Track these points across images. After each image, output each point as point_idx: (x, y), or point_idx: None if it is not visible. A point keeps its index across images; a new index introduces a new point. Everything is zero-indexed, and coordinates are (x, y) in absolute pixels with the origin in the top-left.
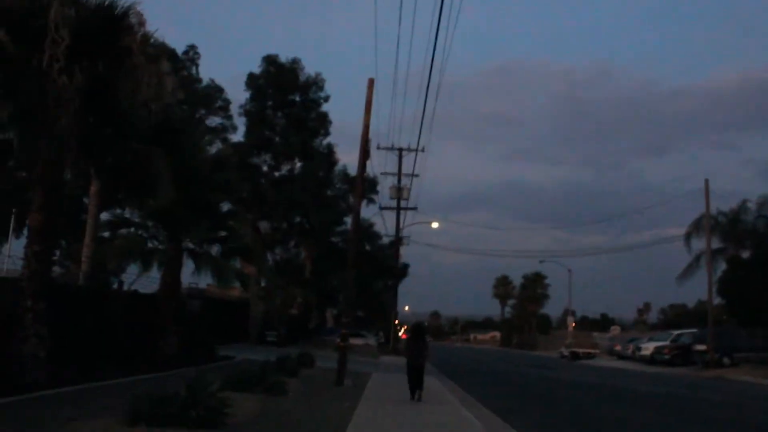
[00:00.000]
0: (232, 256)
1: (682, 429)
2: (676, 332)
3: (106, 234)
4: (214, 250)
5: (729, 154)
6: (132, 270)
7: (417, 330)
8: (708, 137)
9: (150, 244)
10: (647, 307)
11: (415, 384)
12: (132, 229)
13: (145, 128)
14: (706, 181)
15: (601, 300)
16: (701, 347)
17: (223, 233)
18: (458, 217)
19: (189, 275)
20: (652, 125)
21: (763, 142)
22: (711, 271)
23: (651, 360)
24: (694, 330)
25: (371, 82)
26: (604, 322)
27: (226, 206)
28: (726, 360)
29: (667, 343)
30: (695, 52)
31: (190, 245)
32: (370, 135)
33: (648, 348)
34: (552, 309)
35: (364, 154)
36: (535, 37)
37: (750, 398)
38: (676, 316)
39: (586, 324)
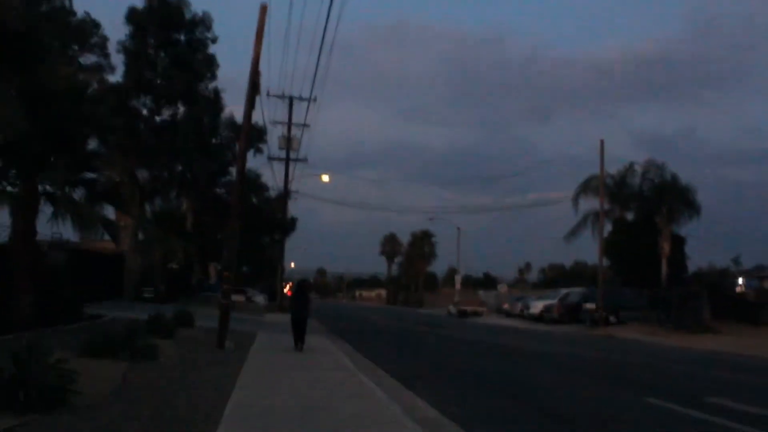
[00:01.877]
0: (98, 202)
1: (607, 390)
2: (564, 291)
3: None
4: (78, 194)
5: (611, 123)
6: None
7: (300, 286)
8: (591, 106)
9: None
10: (528, 267)
11: (299, 335)
12: None
13: None
14: (601, 141)
15: (482, 260)
16: (590, 306)
17: (89, 175)
18: (348, 175)
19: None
20: (539, 91)
21: (642, 113)
22: (602, 231)
23: (539, 318)
24: (582, 289)
25: (264, 8)
26: (486, 281)
27: (93, 144)
28: (612, 318)
29: (555, 301)
30: (582, 23)
31: (49, 188)
32: (261, 79)
33: (537, 306)
34: (437, 267)
35: (254, 87)
36: None
37: (646, 355)
38: (555, 276)
39: (470, 282)
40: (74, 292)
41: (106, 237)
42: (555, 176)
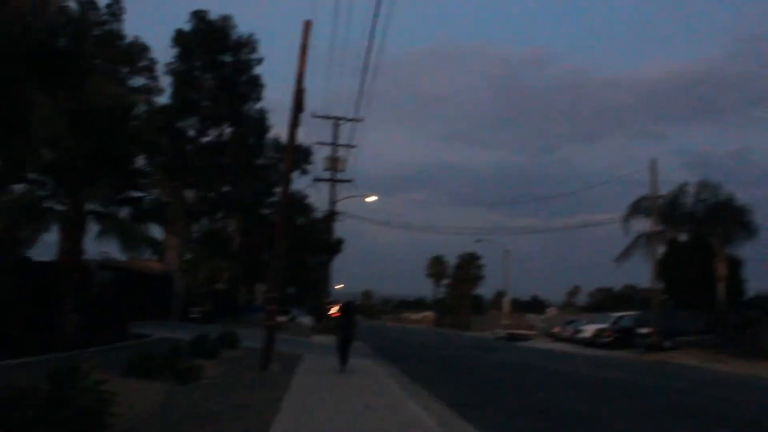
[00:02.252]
0: (143, 220)
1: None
2: (616, 315)
3: None
4: (124, 213)
5: (656, 144)
6: (27, 235)
7: (347, 308)
8: (636, 127)
9: (48, 205)
10: (576, 289)
11: (344, 355)
12: (23, 185)
13: (17, 47)
14: (653, 160)
15: (529, 282)
16: (644, 330)
17: (135, 194)
18: (393, 197)
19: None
20: (584, 113)
21: (688, 134)
22: (655, 252)
23: (591, 342)
24: (635, 313)
25: (308, 24)
26: (534, 304)
27: (139, 163)
28: (667, 343)
29: (608, 325)
30: (626, 43)
31: (95, 207)
32: (306, 98)
33: (588, 331)
34: (483, 290)
35: (298, 104)
36: (471, 20)
37: (707, 384)
38: (604, 299)
39: (517, 305)
40: (121, 311)
41: (153, 256)
42: (602, 198)
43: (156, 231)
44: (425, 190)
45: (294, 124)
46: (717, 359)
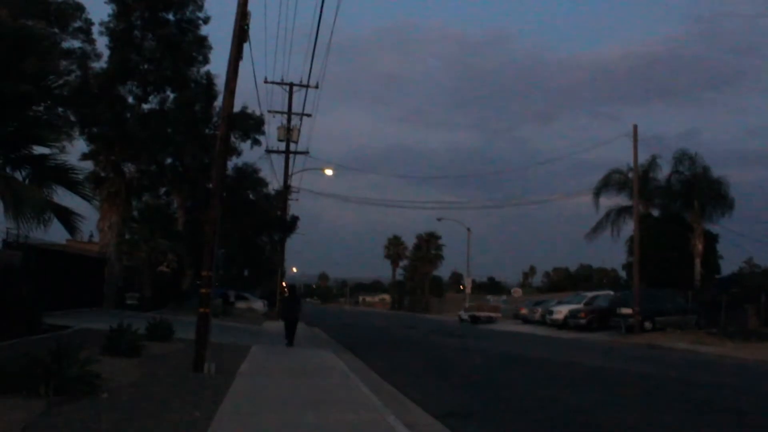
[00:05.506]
0: (46, 183)
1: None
2: (589, 294)
3: None
4: (23, 174)
5: (613, 124)
6: None
7: (291, 291)
8: (593, 108)
9: None
10: (532, 270)
11: (290, 333)
12: None
13: None
14: (635, 126)
15: (484, 264)
16: (626, 311)
17: (36, 150)
18: (350, 178)
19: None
20: (542, 93)
21: (644, 115)
22: (638, 225)
23: (563, 324)
24: (609, 292)
25: None
26: (492, 286)
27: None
28: (648, 324)
29: (581, 306)
30: (584, 24)
31: None
32: (250, 22)
33: (560, 312)
34: (441, 272)
35: (241, 31)
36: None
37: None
38: (560, 280)
39: (475, 287)
40: (32, 298)
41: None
42: (556, 178)
43: (84, 205)
44: (382, 171)
45: (236, 53)
46: (706, 341)
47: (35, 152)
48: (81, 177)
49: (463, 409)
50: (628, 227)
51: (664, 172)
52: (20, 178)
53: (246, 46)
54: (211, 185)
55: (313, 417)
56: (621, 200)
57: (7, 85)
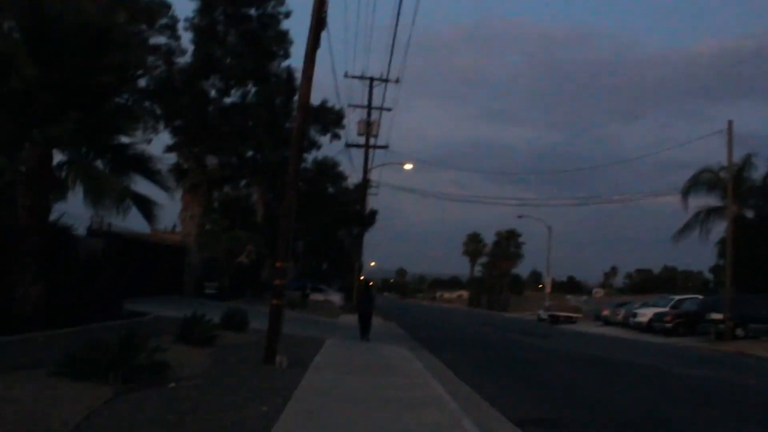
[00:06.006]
0: (125, 172)
1: None
2: (676, 297)
3: None
4: (103, 163)
5: (701, 123)
6: None
7: (366, 286)
8: (680, 106)
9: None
10: (614, 271)
11: (365, 327)
12: None
13: None
14: (729, 122)
15: (563, 263)
16: (716, 316)
17: (116, 140)
18: (428, 174)
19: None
20: (628, 90)
21: (734, 114)
22: (731, 227)
23: (647, 327)
24: (698, 296)
25: None
26: (571, 285)
27: (123, 100)
28: (740, 331)
29: (667, 309)
30: (673, 20)
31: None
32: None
33: (645, 315)
34: (520, 269)
35: (319, 21)
36: None
37: None
38: (643, 281)
39: (554, 286)
40: (115, 285)
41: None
42: (641, 178)
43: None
44: (460, 169)
45: (314, 42)
46: None
47: (116, 142)
48: (159, 167)
49: (545, 416)
50: (718, 229)
51: (759, 171)
52: (101, 168)
53: (325, 38)
54: (301, 184)
55: (385, 417)
56: (711, 200)
57: (89, 76)
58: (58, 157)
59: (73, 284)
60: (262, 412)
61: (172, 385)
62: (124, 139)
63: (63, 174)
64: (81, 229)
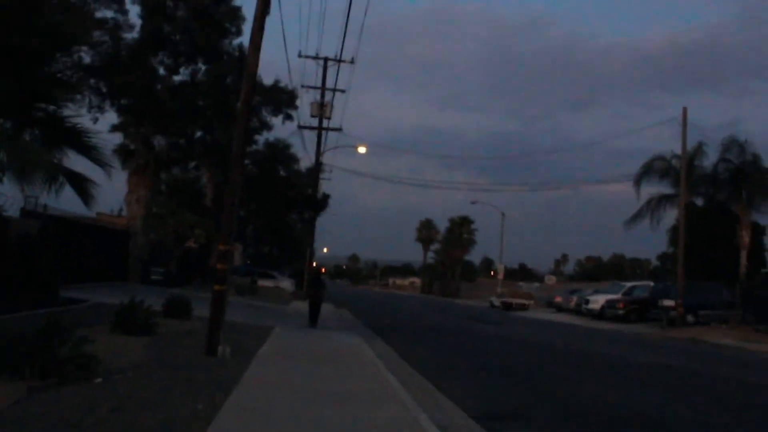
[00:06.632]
0: (57, 145)
1: None
2: (628, 284)
3: None
4: (30, 135)
5: (652, 113)
6: None
7: (315, 274)
8: (631, 95)
9: None
10: (565, 258)
11: (314, 314)
12: None
13: None
14: (684, 109)
15: (515, 250)
16: (668, 303)
17: (49, 111)
18: (381, 160)
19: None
20: (579, 79)
21: (684, 103)
22: (684, 214)
23: (600, 314)
24: (649, 282)
25: None
26: (523, 272)
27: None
28: (690, 318)
29: (619, 296)
30: (626, 10)
31: None
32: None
33: (598, 301)
34: (473, 256)
35: None
36: None
37: None
38: (593, 269)
39: (506, 273)
40: (50, 270)
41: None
42: (592, 166)
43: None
44: (415, 154)
45: (263, 8)
46: (754, 338)
47: (49, 114)
48: (95, 141)
49: (506, 409)
50: (669, 217)
51: (709, 160)
52: (29, 140)
53: (277, 14)
54: (249, 165)
55: (333, 413)
56: (663, 188)
57: (17, 38)
58: None
59: (1, 269)
60: (196, 410)
61: (99, 380)
62: (60, 112)
63: None
64: (14, 210)
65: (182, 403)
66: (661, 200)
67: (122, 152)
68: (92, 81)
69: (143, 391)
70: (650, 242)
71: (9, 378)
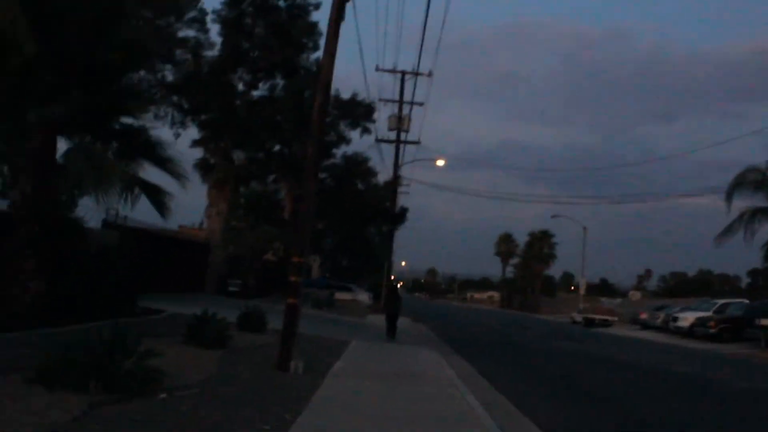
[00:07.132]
0: (133, 158)
1: None
2: (720, 302)
3: None
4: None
5: (737, 123)
6: None
7: (391, 288)
8: (717, 106)
9: None
10: (648, 273)
11: (391, 327)
12: None
13: None
14: None
15: (595, 266)
16: (765, 322)
17: (125, 124)
18: (460, 175)
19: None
20: (662, 91)
21: None
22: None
23: (689, 332)
24: (743, 300)
25: None
26: (604, 288)
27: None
28: None
29: (711, 314)
30: (708, 19)
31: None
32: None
33: (687, 319)
34: (553, 271)
35: None
36: None
37: None
38: (677, 284)
39: (587, 288)
40: (129, 281)
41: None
42: (676, 180)
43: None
44: (494, 166)
45: (337, 15)
46: None
47: (125, 127)
48: (170, 153)
49: None
50: (763, 231)
51: None
52: (106, 153)
53: (354, 27)
54: (327, 179)
55: None
56: (757, 201)
57: (95, 53)
58: (64, 143)
59: (81, 279)
60: (262, 431)
61: (163, 395)
62: (136, 125)
63: (65, 160)
64: (95, 222)
65: (248, 423)
66: (755, 214)
67: (202, 166)
68: (174, 98)
69: (206, 409)
70: (738, 258)
71: (74, 391)
